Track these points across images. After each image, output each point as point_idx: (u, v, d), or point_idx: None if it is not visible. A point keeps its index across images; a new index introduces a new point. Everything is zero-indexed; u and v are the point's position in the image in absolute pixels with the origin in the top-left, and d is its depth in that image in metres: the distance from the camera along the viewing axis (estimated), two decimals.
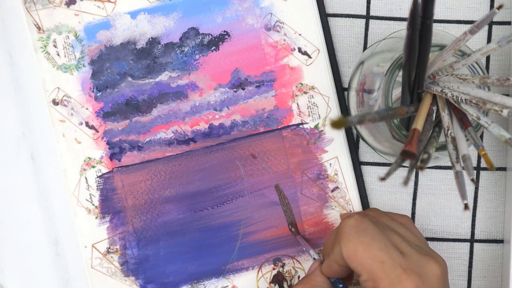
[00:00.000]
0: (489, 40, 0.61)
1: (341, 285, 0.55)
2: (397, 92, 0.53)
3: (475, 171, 0.61)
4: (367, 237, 0.49)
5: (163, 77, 0.60)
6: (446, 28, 0.61)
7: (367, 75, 0.53)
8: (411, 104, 0.49)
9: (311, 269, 0.56)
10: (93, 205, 0.60)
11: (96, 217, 0.60)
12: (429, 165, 0.52)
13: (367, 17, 0.61)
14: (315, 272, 0.55)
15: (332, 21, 0.61)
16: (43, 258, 0.60)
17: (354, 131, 0.61)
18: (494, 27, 0.61)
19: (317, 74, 0.60)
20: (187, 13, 0.60)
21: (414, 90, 0.49)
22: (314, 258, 0.57)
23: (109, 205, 0.60)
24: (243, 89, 0.60)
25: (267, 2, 0.59)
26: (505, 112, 0.43)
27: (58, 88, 0.60)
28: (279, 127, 0.60)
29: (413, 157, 0.43)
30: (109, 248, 0.60)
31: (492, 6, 0.60)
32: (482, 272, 0.62)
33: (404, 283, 0.47)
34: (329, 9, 0.61)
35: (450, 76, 0.49)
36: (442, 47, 0.49)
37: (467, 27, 0.60)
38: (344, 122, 0.39)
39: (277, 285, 0.61)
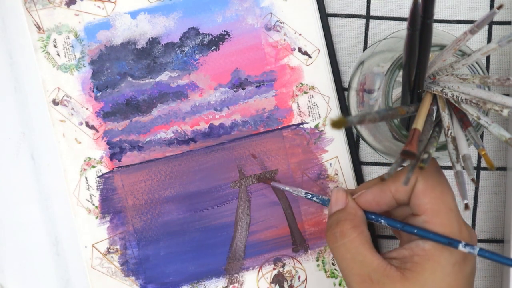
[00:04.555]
0: (489, 40, 0.61)
1: (373, 216, 0.51)
2: (397, 92, 0.53)
3: (475, 171, 0.61)
4: (445, 182, 0.49)
5: (163, 77, 0.60)
6: (446, 28, 0.61)
7: (367, 75, 0.53)
8: (411, 104, 0.49)
9: (339, 201, 0.51)
10: (93, 205, 0.60)
11: (96, 217, 0.60)
12: None
13: (367, 17, 0.61)
14: (350, 204, 0.51)
15: (332, 21, 0.61)
16: (43, 258, 0.60)
17: (354, 131, 0.61)
18: (494, 27, 0.61)
19: (317, 74, 0.60)
20: (187, 13, 0.60)
21: (414, 90, 0.49)
22: (307, 195, 0.56)
23: (109, 205, 0.60)
24: (243, 89, 0.60)
25: (267, 2, 0.59)
26: (505, 112, 0.43)
27: (58, 88, 0.60)
28: (279, 127, 0.60)
29: (413, 157, 0.43)
30: (109, 248, 0.60)
31: (492, 6, 0.60)
32: (482, 272, 0.62)
33: (462, 236, 0.48)
34: (329, 9, 0.61)
35: (450, 76, 0.49)
36: (442, 47, 0.49)
37: (467, 27, 0.60)
38: (344, 122, 0.39)
39: (277, 285, 0.61)
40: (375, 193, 0.50)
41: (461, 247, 0.47)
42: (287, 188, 0.57)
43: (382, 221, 0.51)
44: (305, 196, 0.56)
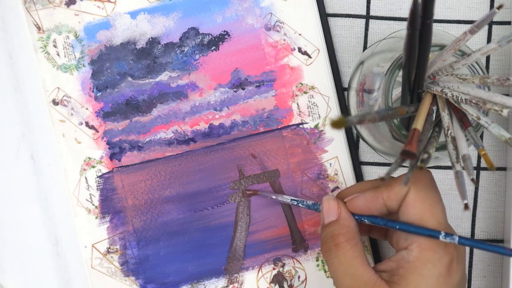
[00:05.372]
0: (489, 40, 0.61)
1: (356, 216, 0.51)
2: (397, 92, 0.53)
3: (475, 171, 0.61)
4: (436, 196, 0.49)
5: (163, 77, 0.60)
6: (446, 28, 0.61)
7: (367, 75, 0.53)
8: (411, 104, 0.49)
9: (332, 212, 0.51)
10: (93, 205, 0.60)
11: (96, 217, 0.60)
12: (429, 165, 0.52)
13: (367, 17, 0.61)
14: (342, 215, 0.51)
15: (332, 21, 0.61)
16: (43, 258, 0.60)
17: (354, 131, 0.61)
18: (494, 27, 0.61)
19: (317, 74, 0.60)
20: (187, 13, 0.60)
21: (414, 90, 0.49)
22: (293, 201, 0.57)
23: (109, 205, 0.60)
24: (243, 89, 0.60)
25: (267, 2, 0.59)
26: (505, 112, 0.43)
27: (58, 88, 0.60)
28: (279, 127, 0.60)
29: (413, 157, 0.43)
30: (109, 248, 0.60)
31: (492, 6, 0.60)
32: (482, 272, 0.62)
33: (447, 248, 0.48)
34: (329, 9, 0.61)
35: (450, 76, 0.49)
36: (442, 47, 0.49)
37: (467, 27, 0.60)
38: (344, 122, 0.39)
39: (277, 285, 0.61)
40: (367, 198, 0.51)
41: (441, 237, 0.47)
42: (273, 197, 0.58)
43: (365, 220, 0.51)
44: (291, 203, 0.57)
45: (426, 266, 0.47)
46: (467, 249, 0.61)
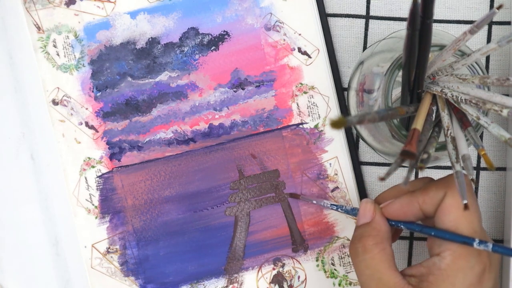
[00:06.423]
0: (489, 40, 0.61)
1: (392, 222, 0.52)
2: (397, 92, 0.53)
3: (475, 171, 0.61)
4: (474, 203, 0.49)
5: (163, 77, 0.60)
6: (446, 28, 0.61)
7: (367, 75, 0.53)
8: (411, 104, 0.49)
9: (367, 214, 0.51)
10: (93, 205, 0.60)
11: (96, 217, 0.60)
12: (429, 165, 0.52)
13: (367, 17, 0.61)
14: (376, 219, 0.51)
15: (332, 21, 0.61)
16: (43, 258, 0.60)
17: (354, 131, 0.61)
18: (494, 27, 0.61)
19: (317, 74, 0.60)
20: (187, 13, 0.60)
21: (414, 90, 0.49)
22: (332, 206, 0.57)
23: (109, 205, 0.60)
24: (243, 89, 0.60)
25: (267, 2, 0.59)
26: (505, 112, 0.43)
27: (58, 88, 0.60)
28: (279, 127, 0.60)
29: (413, 157, 0.43)
30: (109, 248, 0.60)
31: (492, 6, 0.60)
32: None
33: (480, 257, 0.48)
34: (329, 9, 0.61)
35: (450, 76, 0.49)
36: (442, 47, 0.49)
37: (467, 27, 0.60)
38: (344, 122, 0.39)
39: (277, 285, 0.61)
40: (403, 203, 0.51)
41: (475, 245, 0.47)
42: (314, 202, 0.58)
43: (402, 226, 0.51)
44: (331, 207, 0.57)
45: (457, 275, 0.47)
46: None
